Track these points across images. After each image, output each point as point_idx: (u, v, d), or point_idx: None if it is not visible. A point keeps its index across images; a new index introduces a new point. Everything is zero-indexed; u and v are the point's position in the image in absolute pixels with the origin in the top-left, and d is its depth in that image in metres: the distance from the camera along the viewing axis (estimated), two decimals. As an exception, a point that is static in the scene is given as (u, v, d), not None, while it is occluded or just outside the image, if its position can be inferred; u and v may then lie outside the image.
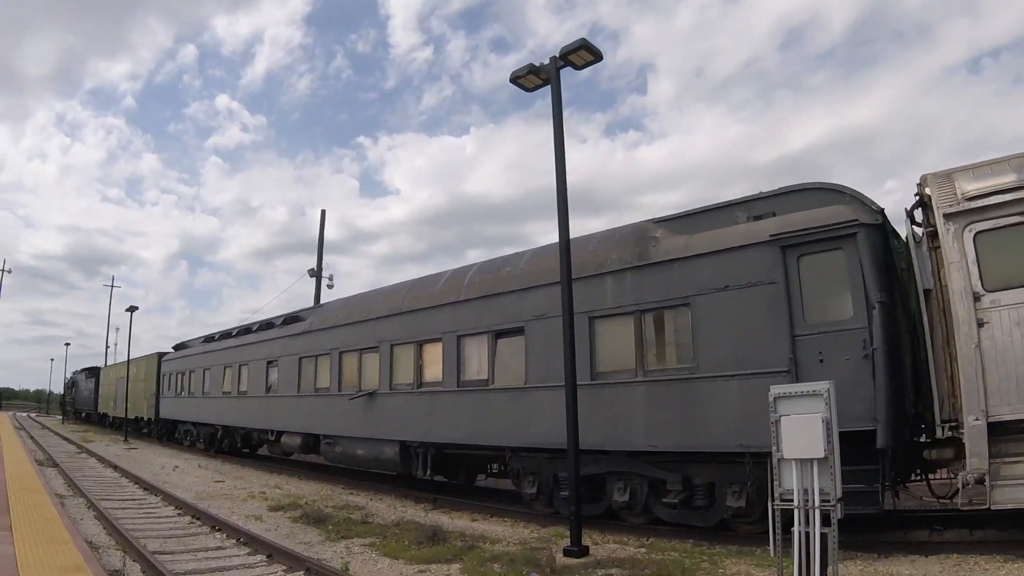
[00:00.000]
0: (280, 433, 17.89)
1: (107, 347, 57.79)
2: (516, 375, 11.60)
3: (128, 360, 33.13)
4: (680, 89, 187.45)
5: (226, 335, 23.11)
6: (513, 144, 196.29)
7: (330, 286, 32.22)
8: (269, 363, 18.69)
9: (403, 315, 14.09)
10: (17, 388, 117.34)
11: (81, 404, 51.78)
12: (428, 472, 13.31)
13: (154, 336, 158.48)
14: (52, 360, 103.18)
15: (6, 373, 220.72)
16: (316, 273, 32.10)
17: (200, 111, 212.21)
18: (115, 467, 18.18)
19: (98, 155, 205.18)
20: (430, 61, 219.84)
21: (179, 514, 11.39)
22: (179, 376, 26.72)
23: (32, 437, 30.10)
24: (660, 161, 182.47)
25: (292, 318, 18.89)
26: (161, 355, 30.17)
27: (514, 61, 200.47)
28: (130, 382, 32.78)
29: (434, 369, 13.27)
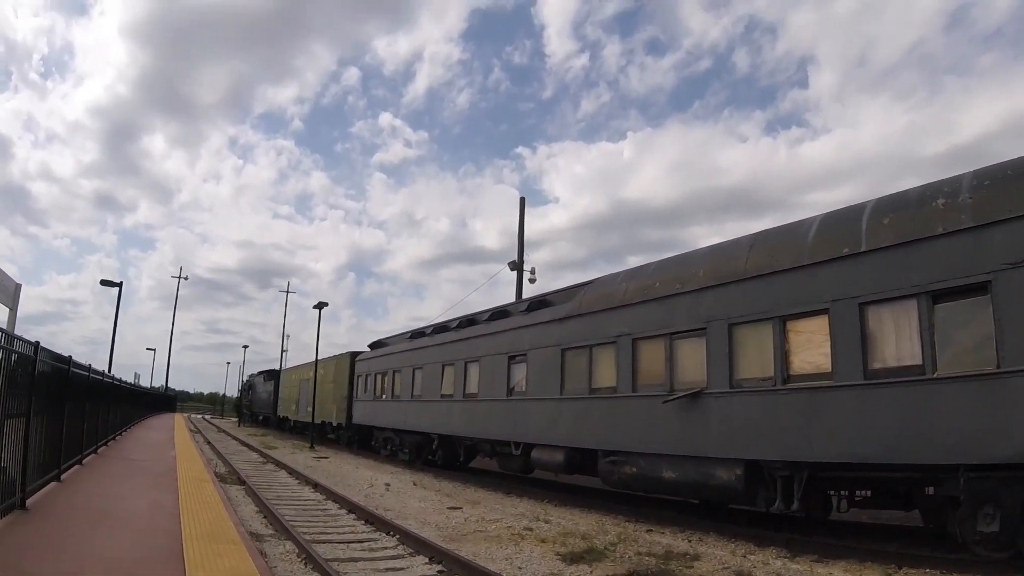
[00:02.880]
0: (529, 447, 14.58)
1: (282, 351, 59.06)
2: (981, 358, 7.61)
3: (316, 360, 31.89)
4: (842, 80, 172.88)
5: (441, 328, 20.44)
6: (673, 147, 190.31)
7: (532, 280, 29.63)
8: (511, 359, 15.52)
9: (752, 281, 10.27)
10: (192, 391, 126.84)
11: (258, 407, 52.70)
12: (794, 503, 9.55)
13: (325, 344, 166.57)
14: (228, 363, 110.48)
15: (183, 377, 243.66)
16: (518, 265, 29.49)
17: (365, 129, 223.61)
18: (314, 485, 15.52)
19: (269, 175, 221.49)
20: (586, 68, 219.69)
21: (441, 571, 8.02)
22: (378, 377, 24.57)
23: (209, 442, 29.24)
24: (825, 157, 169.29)
25: (539, 303, 15.63)
26: (354, 355, 28.45)
27: (670, 62, 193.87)
28: (317, 384, 31.48)
29: (814, 355, 9.33)
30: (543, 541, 10.26)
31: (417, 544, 9.21)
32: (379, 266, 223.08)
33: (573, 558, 9.05)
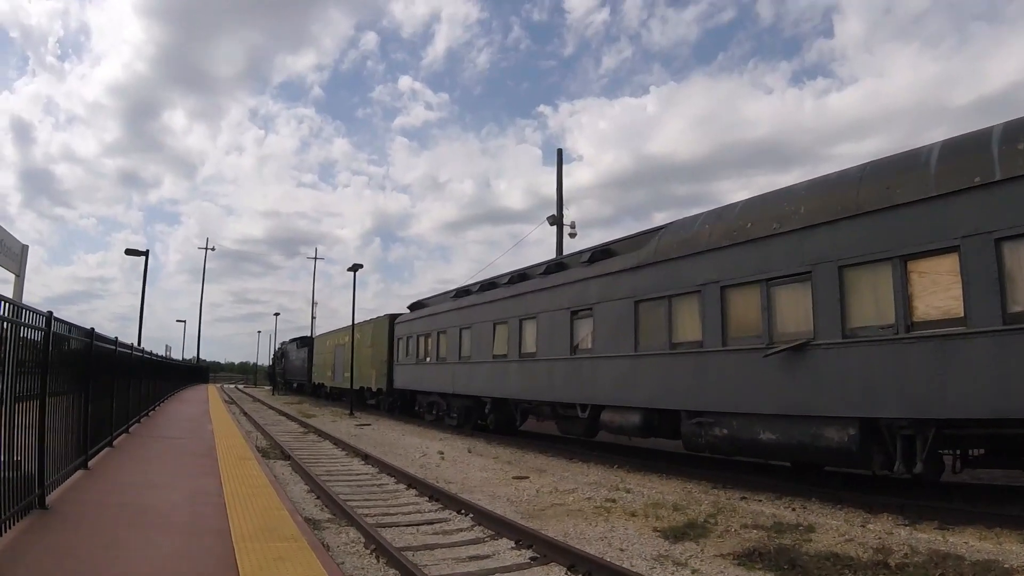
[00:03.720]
0: (598, 408, 13.53)
1: (312, 318, 58.66)
2: None
3: (352, 325, 31.10)
4: (869, 28, 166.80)
5: (490, 285, 19.34)
6: (698, 100, 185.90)
7: (572, 234, 28.42)
8: (574, 314, 14.38)
9: (865, 217, 9.02)
10: (223, 361, 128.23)
11: (292, 374, 52.46)
12: (917, 464, 8.53)
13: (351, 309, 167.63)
14: (259, 332, 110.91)
15: (214, 348, 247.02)
16: (557, 219, 28.24)
17: (385, 94, 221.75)
18: (364, 456, 14.58)
19: (291, 144, 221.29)
20: (607, 22, 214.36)
21: (534, 558, 6.96)
22: (421, 339, 23.65)
23: (245, 413, 28.61)
24: (853, 107, 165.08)
25: (602, 253, 14.42)
26: (393, 317, 27.56)
27: (693, 14, 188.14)
28: (355, 349, 30.72)
29: (942, 299, 8.20)
30: (632, 515, 9.29)
31: (495, 524, 8.23)
32: (404, 230, 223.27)
33: (675, 534, 8.06)
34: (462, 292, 21.26)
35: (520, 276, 17.62)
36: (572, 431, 15.20)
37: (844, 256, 9.30)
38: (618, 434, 13.26)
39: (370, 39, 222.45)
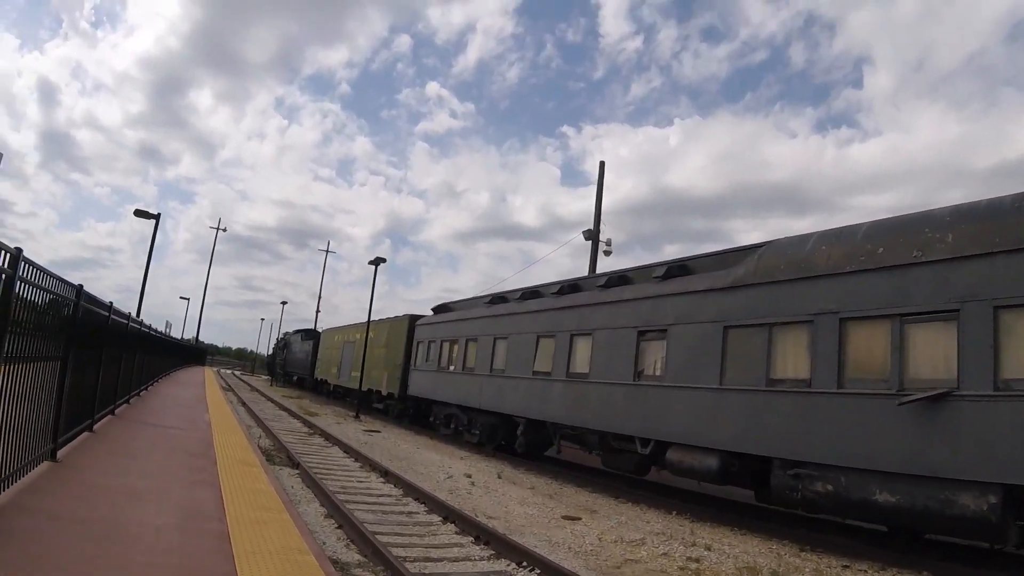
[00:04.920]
0: (663, 445, 11.84)
1: (317, 311, 57.18)
2: None
3: (368, 322, 29.47)
4: (898, 83, 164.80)
5: (533, 294, 17.69)
6: (722, 136, 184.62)
7: (607, 252, 26.95)
8: (642, 334, 12.73)
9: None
10: (220, 345, 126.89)
11: (293, 367, 50.83)
12: None
13: (355, 308, 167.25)
14: (263, 320, 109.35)
15: (214, 331, 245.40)
16: (593, 235, 26.75)
17: (412, 97, 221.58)
18: (384, 473, 12.78)
19: (314, 136, 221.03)
20: (639, 51, 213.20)
21: None
22: (445, 345, 21.99)
23: (244, 403, 26.89)
24: (873, 160, 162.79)
25: (679, 268, 12.80)
26: (414, 318, 25.93)
27: (726, 51, 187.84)
28: (367, 348, 29.06)
29: None
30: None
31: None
32: (416, 235, 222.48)
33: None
34: (498, 299, 19.62)
35: (571, 287, 15.98)
36: (619, 466, 13.50)
37: (1001, 295, 7.74)
38: (686, 477, 11.56)
39: (403, 41, 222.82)
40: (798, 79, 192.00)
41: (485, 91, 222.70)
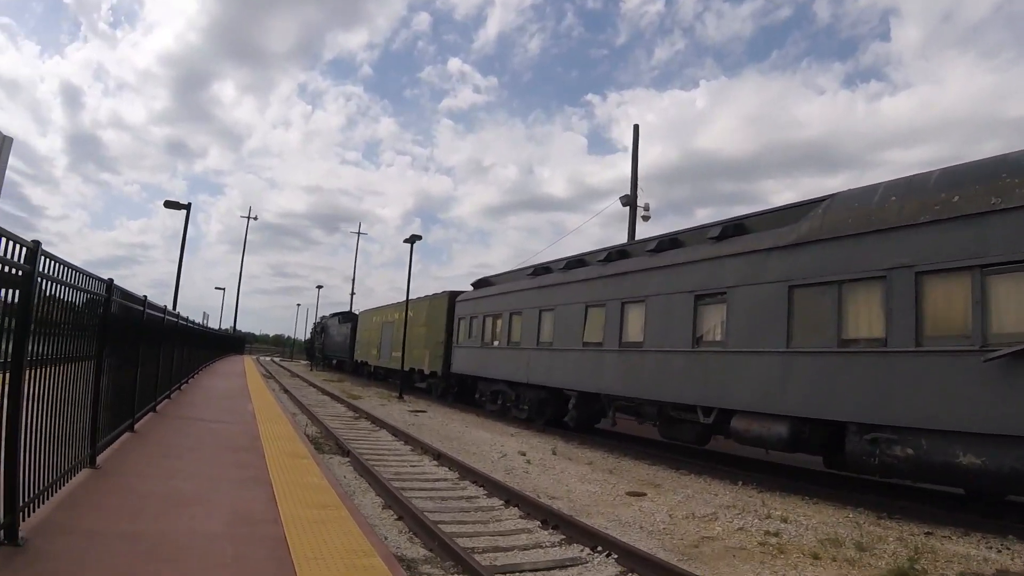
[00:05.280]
0: (726, 413, 11.46)
1: (352, 294, 57.46)
2: None
3: (407, 301, 29.36)
4: (927, 35, 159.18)
5: (578, 263, 17.29)
6: (749, 97, 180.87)
7: (646, 217, 26.51)
8: (699, 299, 12.29)
9: None
10: (258, 333, 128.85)
11: (332, 350, 51.17)
12: None
13: (388, 288, 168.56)
14: (299, 305, 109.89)
15: (250, 319, 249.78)
16: (631, 200, 26.23)
17: (434, 75, 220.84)
18: (436, 455, 12.49)
19: (338, 121, 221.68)
20: (661, 13, 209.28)
21: None
22: (488, 320, 21.75)
23: (286, 390, 26.95)
24: (905, 114, 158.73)
25: (735, 227, 12.29)
26: (454, 295, 25.73)
27: (749, 10, 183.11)
28: (408, 327, 28.98)
29: None
30: (815, 557, 7.34)
31: (653, 570, 6.22)
32: (445, 212, 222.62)
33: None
34: (541, 269, 19.26)
35: (619, 253, 15.55)
36: (679, 437, 13.15)
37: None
38: (752, 446, 11.17)
39: (423, 19, 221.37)
40: (824, 35, 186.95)
41: (507, 64, 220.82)
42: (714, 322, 11.87)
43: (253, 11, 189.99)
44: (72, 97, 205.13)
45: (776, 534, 8.22)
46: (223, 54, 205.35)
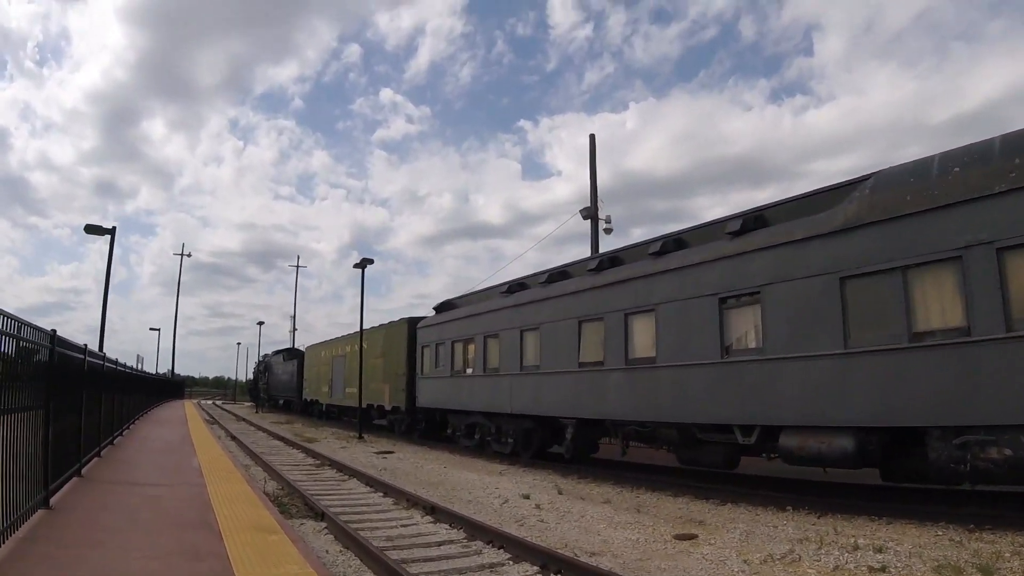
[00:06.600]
0: (771, 430, 10.02)
1: (293, 330, 54.77)
2: None
3: (360, 331, 27.31)
4: (849, 46, 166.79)
5: (562, 274, 15.75)
6: (678, 116, 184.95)
7: (608, 230, 25.66)
8: (724, 302, 10.89)
9: None
10: (197, 376, 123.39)
11: (277, 390, 48.28)
12: None
13: (328, 324, 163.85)
14: (239, 344, 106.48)
15: (189, 361, 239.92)
16: (592, 212, 25.22)
17: (366, 106, 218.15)
18: (430, 509, 10.29)
19: (271, 155, 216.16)
20: (590, 38, 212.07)
21: None
22: (457, 346, 19.95)
23: (233, 436, 24.48)
24: (830, 125, 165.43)
25: (754, 219, 10.99)
26: (414, 321, 23.85)
27: (676, 31, 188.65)
28: (363, 360, 26.88)
29: None
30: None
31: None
32: (382, 244, 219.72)
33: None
34: (516, 286, 17.64)
35: (612, 260, 14.09)
36: (704, 461, 11.66)
37: None
38: (810, 465, 9.72)
39: (353, 51, 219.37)
40: (749, 52, 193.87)
41: (439, 93, 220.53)
42: (746, 327, 10.47)
43: (181, 45, 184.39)
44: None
45: (883, 569, 6.80)
46: (151, 90, 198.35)
